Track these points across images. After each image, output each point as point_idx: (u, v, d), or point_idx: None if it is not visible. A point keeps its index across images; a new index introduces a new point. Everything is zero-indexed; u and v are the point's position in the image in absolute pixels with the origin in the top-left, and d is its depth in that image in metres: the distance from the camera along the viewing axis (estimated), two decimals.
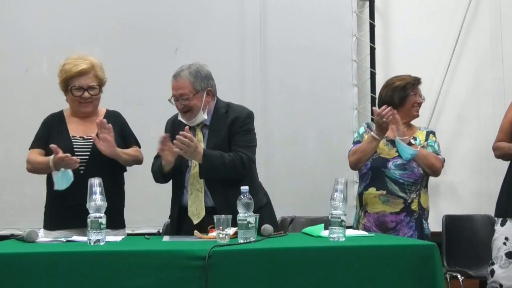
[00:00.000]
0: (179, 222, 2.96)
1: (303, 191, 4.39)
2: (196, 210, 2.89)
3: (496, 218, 3.17)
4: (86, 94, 2.97)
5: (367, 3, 4.70)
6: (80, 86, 2.96)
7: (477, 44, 4.78)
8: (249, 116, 3.00)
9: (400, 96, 3.39)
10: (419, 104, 3.40)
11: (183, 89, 2.87)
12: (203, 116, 2.93)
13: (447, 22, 4.75)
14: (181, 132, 2.78)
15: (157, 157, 2.99)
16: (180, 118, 2.96)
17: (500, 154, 3.20)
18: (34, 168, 2.96)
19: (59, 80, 3.00)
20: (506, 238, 3.06)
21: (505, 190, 3.16)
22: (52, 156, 2.83)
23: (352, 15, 4.65)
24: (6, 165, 4.11)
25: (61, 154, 2.79)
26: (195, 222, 2.86)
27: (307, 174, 4.42)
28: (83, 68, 2.94)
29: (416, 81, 3.42)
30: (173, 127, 3.02)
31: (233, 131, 2.92)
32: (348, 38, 4.65)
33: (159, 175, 2.96)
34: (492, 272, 3.08)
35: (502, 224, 3.11)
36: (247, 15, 4.51)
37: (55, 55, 4.17)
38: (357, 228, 3.33)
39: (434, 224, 4.10)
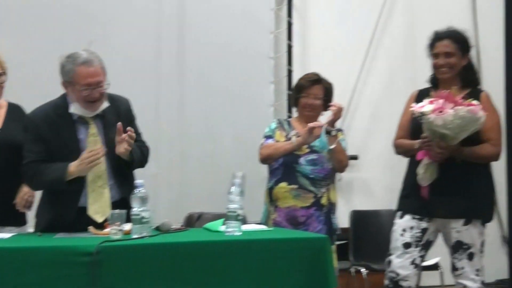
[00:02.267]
0: (75, 226, 2.72)
1: (216, 187, 4.41)
2: (100, 208, 2.82)
3: (397, 212, 3.28)
4: None
5: (285, 1, 4.77)
6: None
7: (390, 44, 4.93)
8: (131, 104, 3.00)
9: (294, 96, 3.53)
10: (311, 105, 3.46)
11: (100, 75, 2.75)
12: (105, 104, 2.84)
13: (363, 22, 4.89)
14: (129, 128, 2.72)
15: (43, 161, 2.80)
16: (80, 110, 2.79)
17: (402, 151, 3.32)
18: None
19: None
20: (404, 230, 3.18)
21: (405, 186, 3.28)
22: None
23: (270, 13, 4.71)
24: None
25: None
26: (100, 220, 2.79)
27: (222, 170, 4.45)
28: None
29: (310, 82, 3.47)
30: (44, 124, 2.80)
31: (127, 121, 2.89)
32: (266, 35, 4.71)
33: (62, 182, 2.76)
34: (389, 262, 3.19)
35: (401, 217, 3.23)
36: (165, 9, 4.50)
37: None
38: (266, 223, 3.38)
39: (346, 219, 4.23)
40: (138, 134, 2.94)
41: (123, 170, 2.79)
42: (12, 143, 2.89)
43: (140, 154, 2.89)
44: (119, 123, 2.77)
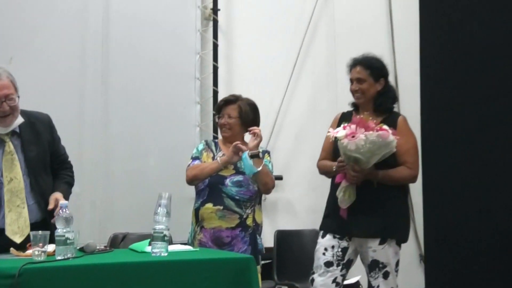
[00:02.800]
0: None
1: (142, 207, 4.40)
2: (19, 228, 2.77)
3: (319, 231, 3.39)
4: None
5: (211, 23, 4.84)
6: None
7: (314, 66, 5.09)
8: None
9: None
10: (224, 125, 3.55)
11: (8, 88, 2.72)
12: (20, 119, 2.80)
13: (288, 44, 5.03)
14: None
15: None
16: None
17: (324, 172, 3.44)
18: None
19: None
20: (326, 249, 3.29)
21: (327, 206, 3.40)
22: None
23: (196, 34, 4.77)
24: None
25: None
26: (18, 241, 2.74)
27: (148, 190, 4.43)
28: None
29: (223, 102, 3.60)
30: None
31: (52, 137, 2.86)
32: (192, 56, 4.75)
33: None
34: (312, 281, 3.29)
35: (323, 237, 3.34)
36: (89, 24, 4.45)
37: None
38: (192, 244, 3.40)
39: (270, 239, 4.30)
40: (61, 153, 2.91)
41: (44, 189, 2.74)
42: None
43: (69, 191, 2.86)
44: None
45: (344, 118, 3.40)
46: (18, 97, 2.76)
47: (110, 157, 4.39)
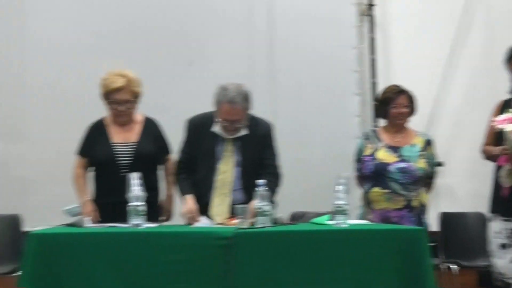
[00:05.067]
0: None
1: (309, 190, 4.90)
2: (221, 211, 3.33)
3: (489, 215, 3.66)
4: (121, 107, 3.46)
5: (367, 18, 5.23)
6: (116, 101, 3.45)
7: (470, 54, 5.26)
8: (273, 128, 3.51)
9: (382, 109, 3.92)
10: (402, 114, 3.84)
11: (238, 115, 3.30)
12: (244, 131, 3.39)
13: (443, 34, 5.25)
14: None
15: (186, 164, 3.45)
16: (218, 131, 3.35)
17: (487, 157, 3.71)
18: (73, 183, 3.48)
19: (100, 92, 3.49)
20: (497, 232, 3.56)
21: (492, 190, 3.65)
22: (86, 200, 3.36)
23: (353, 29, 5.19)
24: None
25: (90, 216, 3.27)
26: (218, 221, 3.31)
27: (315, 175, 4.93)
28: (119, 86, 3.42)
29: (396, 94, 3.86)
30: (196, 130, 3.45)
31: (264, 143, 3.42)
32: (350, 50, 5.18)
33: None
34: (493, 263, 3.57)
35: (493, 220, 3.61)
36: (256, 25, 5.02)
37: (78, 67, 4.79)
38: None
39: (433, 222, 4.60)
40: (271, 158, 3.45)
41: (253, 179, 3.20)
42: (146, 156, 3.45)
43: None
44: None
45: (507, 105, 3.62)
46: (248, 111, 3.33)
47: (280, 149, 4.92)
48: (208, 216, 3.31)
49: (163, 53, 4.94)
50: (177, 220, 3.59)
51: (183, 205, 3.32)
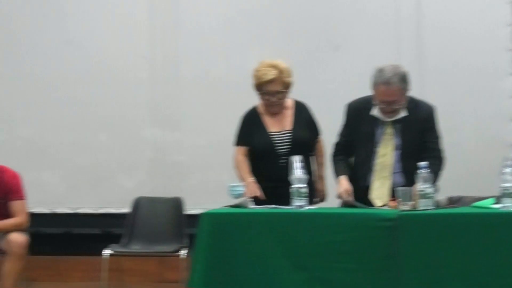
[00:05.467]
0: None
1: (463, 175, 4.77)
2: (381, 194, 3.32)
3: None
4: (273, 98, 3.56)
5: None
6: (268, 92, 3.55)
7: None
8: (435, 111, 3.46)
9: None
10: None
11: (395, 96, 3.28)
12: (403, 114, 3.37)
13: None
14: None
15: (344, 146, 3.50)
16: (377, 114, 3.36)
17: None
18: (235, 168, 3.63)
19: (253, 83, 3.61)
20: None
21: None
22: (250, 182, 3.45)
23: (506, 6, 4.96)
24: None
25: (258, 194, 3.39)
26: (378, 204, 3.30)
27: (467, 160, 4.80)
28: (271, 78, 3.52)
29: None
30: (355, 113, 3.48)
31: (427, 126, 3.38)
32: (503, 28, 4.95)
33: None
34: None
35: None
36: (404, 7, 4.93)
37: (230, 56, 5.00)
38: None
39: None
40: (434, 141, 3.41)
41: (412, 162, 3.19)
42: (302, 142, 3.53)
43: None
44: None
45: None
46: (407, 92, 3.31)
47: None
48: (366, 200, 3.31)
49: (309, 38, 5.00)
50: (330, 201, 3.65)
51: (338, 186, 3.37)
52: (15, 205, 3.93)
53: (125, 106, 5.11)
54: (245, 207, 3.10)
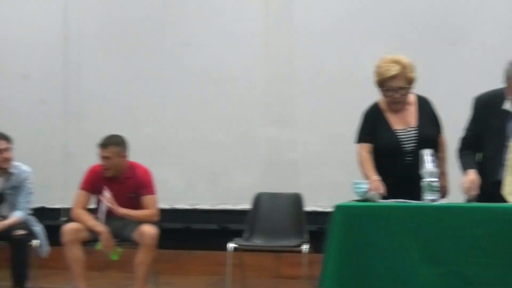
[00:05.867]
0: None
1: None
2: None
3: None
4: (396, 94, 3.52)
5: None
6: (391, 88, 3.51)
7: None
8: None
9: None
10: None
11: None
12: None
13: None
14: None
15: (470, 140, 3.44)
16: (510, 108, 3.27)
17: None
18: (360, 165, 3.61)
19: (375, 79, 3.57)
20: None
21: None
22: (375, 179, 3.40)
23: None
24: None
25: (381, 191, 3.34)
26: (511, 200, 3.16)
27: None
28: (393, 74, 3.46)
29: None
30: (484, 107, 3.39)
31: None
32: None
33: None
34: None
35: None
36: None
37: (343, 53, 5.04)
38: None
39: None
40: None
41: None
42: (428, 140, 3.46)
43: None
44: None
45: None
46: None
47: None
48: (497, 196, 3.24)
49: (423, 33, 4.96)
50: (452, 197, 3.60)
51: (465, 178, 3.31)
52: (147, 199, 4.15)
53: (241, 106, 5.27)
54: (373, 201, 3.12)
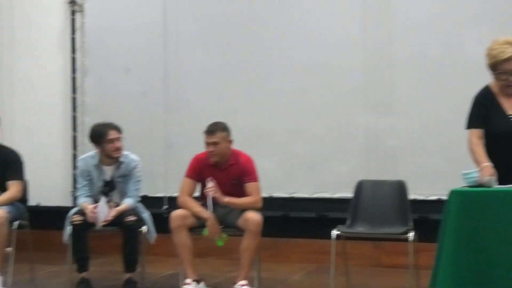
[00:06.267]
0: None
1: None
2: None
3: None
4: (510, 78, 3.37)
5: None
6: (506, 71, 3.37)
7: None
8: None
9: None
10: None
11: None
12: None
13: None
14: None
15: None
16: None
17: None
18: (470, 152, 3.47)
19: (487, 62, 3.46)
20: None
21: None
22: (486, 166, 3.26)
23: None
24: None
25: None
26: None
27: None
28: (508, 56, 3.33)
29: None
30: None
31: None
32: None
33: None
34: None
35: None
36: None
37: (446, 38, 4.92)
38: None
39: None
40: None
41: None
42: None
43: None
44: None
45: None
46: None
47: None
48: None
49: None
50: None
51: None
52: (250, 186, 4.22)
53: (338, 93, 5.25)
54: (489, 186, 3.04)
